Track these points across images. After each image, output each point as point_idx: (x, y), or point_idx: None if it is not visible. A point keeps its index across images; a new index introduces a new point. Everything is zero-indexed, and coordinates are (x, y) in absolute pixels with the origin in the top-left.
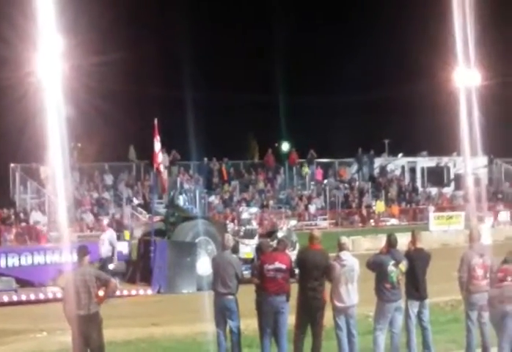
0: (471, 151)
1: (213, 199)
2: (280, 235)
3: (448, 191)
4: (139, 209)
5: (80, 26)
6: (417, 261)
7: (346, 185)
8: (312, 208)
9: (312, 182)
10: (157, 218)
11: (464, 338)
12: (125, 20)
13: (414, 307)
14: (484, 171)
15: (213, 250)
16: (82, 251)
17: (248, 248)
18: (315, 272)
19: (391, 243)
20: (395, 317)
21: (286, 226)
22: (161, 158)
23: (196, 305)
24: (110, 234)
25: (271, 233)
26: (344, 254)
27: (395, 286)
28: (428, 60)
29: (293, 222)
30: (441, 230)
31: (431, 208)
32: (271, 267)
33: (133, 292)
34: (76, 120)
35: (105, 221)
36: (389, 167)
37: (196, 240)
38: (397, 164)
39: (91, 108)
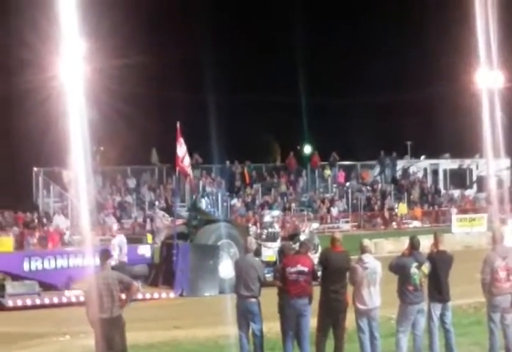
0: (493, 153)
1: (236, 202)
2: (302, 237)
3: (471, 193)
4: (161, 212)
5: (102, 29)
6: (440, 263)
7: (368, 187)
8: (335, 211)
9: (335, 185)
10: (179, 222)
11: (487, 340)
12: (147, 24)
13: (437, 310)
14: (507, 173)
15: (236, 253)
16: (104, 254)
17: (270, 251)
18: (337, 274)
19: (413, 245)
20: (418, 319)
21: (308, 229)
22: (187, 161)
23: (218, 308)
24: (120, 239)
25: (293, 236)
26: (366, 257)
27: (417, 288)
28: (451, 62)
29: (315, 225)
30: (463, 232)
31: (454, 210)
32: (293, 270)
33: (156, 295)
34: (98, 124)
35: (115, 226)
36: (412, 169)
37: (219, 243)
38: (419, 166)
39: (113, 111)
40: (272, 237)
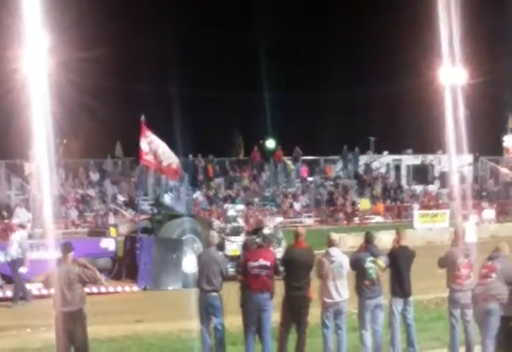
0: (456, 149)
1: (198, 196)
2: (266, 232)
3: (433, 188)
4: (124, 206)
5: (66, 22)
6: (401, 259)
7: (331, 182)
8: (297, 206)
9: (298, 180)
10: (143, 217)
11: (448, 336)
12: (111, 16)
13: (399, 305)
14: (469, 169)
15: (199, 248)
16: (66, 247)
17: (234, 246)
18: (301, 270)
19: (368, 240)
20: (377, 314)
21: (272, 224)
22: (164, 153)
23: (180, 302)
24: (20, 235)
25: (256, 230)
26: (333, 251)
27: (374, 282)
28: (414, 58)
29: (279, 219)
30: (425, 228)
31: (416, 206)
32: (255, 264)
33: (119, 288)
34: (62, 116)
35: (16, 220)
36: (374, 165)
37: (183, 238)
38: (382, 162)
39: (77, 104)
40: (236, 232)
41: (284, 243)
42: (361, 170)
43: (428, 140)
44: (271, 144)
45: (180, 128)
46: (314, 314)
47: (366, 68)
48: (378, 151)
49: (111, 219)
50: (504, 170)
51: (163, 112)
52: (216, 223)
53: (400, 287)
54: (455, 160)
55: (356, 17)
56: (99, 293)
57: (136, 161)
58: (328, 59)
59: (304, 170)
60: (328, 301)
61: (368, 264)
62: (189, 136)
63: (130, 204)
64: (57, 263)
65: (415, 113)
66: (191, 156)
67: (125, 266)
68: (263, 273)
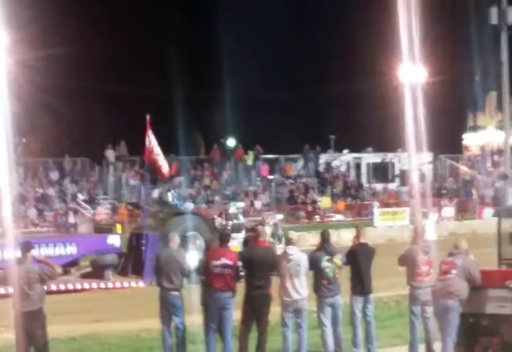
0: (415, 147)
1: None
2: (267, 229)
3: (393, 186)
4: (83, 204)
5: (25, 20)
6: (361, 256)
7: (292, 181)
8: (258, 204)
9: (258, 178)
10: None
11: (408, 333)
12: (71, 14)
13: (359, 302)
14: (429, 167)
15: (202, 244)
16: (26, 247)
17: (235, 242)
18: (262, 269)
19: (323, 239)
20: (336, 312)
21: (272, 221)
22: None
23: (145, 300)
24: None
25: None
26: (290, 249)
27: (331, 281)
28: (374, 57)
29: (279, 216)
30: (386, 226)
31: (376, 204)
32: (217, 263)
33: (125, 284)
34: (21, 115)
35: None
36: (335, 163)
37: (186, 235)
38: (342, 160)
39: (36, 103)
40: (237, 229)
41: (283, 240)
42: (321, 168)
43: (388, 138)
44: (231, 142)
45: (141, 127)
46: (275, 312)
47: (326, 67)
48: (339, 149)
49: (71, 218)
50: (463, 168)
51: (123, 111)
52: (218, 220)
53: (360, 284)
54: (415, 159)
55: (317, 16)
56: (107, 289)
57: (95, 161)
58: (289, 58)
59: (264, 169)
60: (286, 299)
61: (324, 263)
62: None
63: (91, 202)
64: (17, 263)
65: (375, 111)
66: None
67: (130, 262)
68: (226, 272)
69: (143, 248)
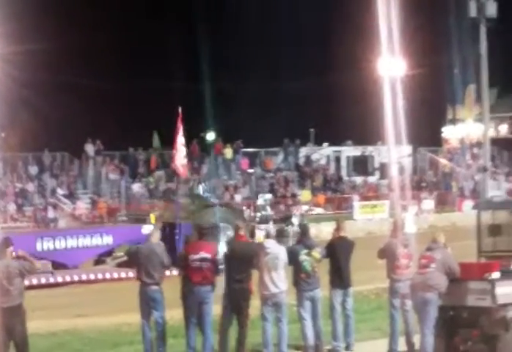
0: (395, 140)
1: (138, 188)
2: (294, 220)
3: (373, 179)
4: (63, 199)
5: (3, 15)
6: (340, 249)
7: (272, 174)
8: (238, 198)
9: (238, 172)
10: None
11: (388, 326)
12: (48, 9)
13: (338, 296)
14: (408, 160)
15: (231, 235)
16: (5, 242)
17: (263, 233)
18: (242, 263)
19: (302, 232)
20: (315, 306)
21: (299, 212)
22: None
23: (126, 295)
24: None
25: (285, 218)
26: (268, 242)
27: (310, 275)
28: (353, 49)
29: (305, 208)
30: (366, 219)
31: (356, 197)
32: (196, 257)
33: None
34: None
35: None
36: (315, 156)
37: (218, 227)
38: (322, 154)
39: (15, 97)
40: (265, 220)
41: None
42: (301, 162)
43: (368, 131)
44: (210, 136)
45: (120, 121)
46: (255, 306)
47: (306, 60)
48: (318, 143)
49: (51, 213)
50: (443, 161)
51: (102, 105)
52: (247, 212)
53: (340, 278)
54: (395, 152)
55: (295, 8)
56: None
57: (75, 155)
58: (269, 51)
59: (244, 162)
60: (265, 293)
61: (303, 257)
62: (129, 128)
63: (70, 197)
64: None
65: (355, 104)
66: (131, 149)
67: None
68: (204, 266)
69: (176, 237)
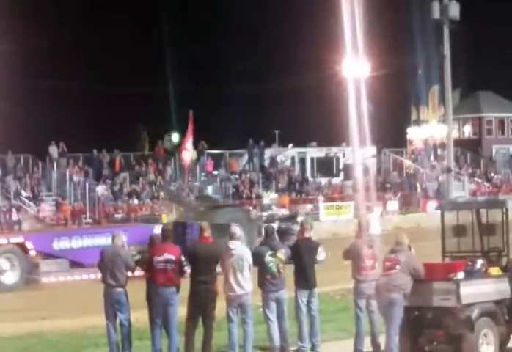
0: (359, 141)
1: (103, 191)
2: (300, 219)
3: (337, 181)
4: (27, 201)
5: None
6: (305, 250)
7: (237, 176)
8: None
9: (203, 174)
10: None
11: (354, 326)
12: (11, 10)
13: (304, 297)
14: (373, 161)
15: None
16: None
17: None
18: (206, 265)
19: (266, 233)
20: (280, 307)
21: (304, 211)
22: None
23: (90, 297)
24: None
25: (291, 217)
26: (232, 244)
27: (275, 276)
28: (317, 51)
29: (309, 206)
30: (331, 220)
31: (321, 198)
32: (160, 258)
33: None
34: None
35: None
36: (280, 158)
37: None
38: (287, 155)
39: None
40: (271, 219)
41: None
42: (266, 163)
43: (332, 133)
44: (175, 138)
45: (84, 123)
46: (221, 307)
47: (270, 62)
48: (283, 144)
49: (15, 215)
50: (407, 162)
51: (66, 107)
52: (253, 211)
53: (305, 278)
54: (359, 153)
55: (259, 11)
56: None
57: (38, 157)
58: (232, 54)
59: (209, 164)
60: (230, 294)
61: (268, 258)
62: (93, 130)
63: (34, 199)
64: None
65: (319, 106)
66: (95, 151)
67: None
68: (169, 268)
69: (188, 236)
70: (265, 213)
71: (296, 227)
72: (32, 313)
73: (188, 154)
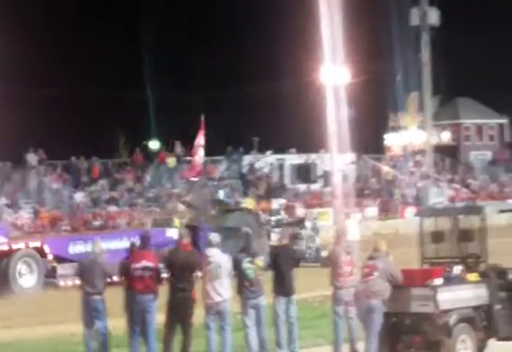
0: (338, 148)
1: (81, 198)
2: (308, 223)
3: (316, 187)
4: (5, 209)
5: None
6: (283, 257)
7: (216, 182)
8: (182, 206)
9: (182, 181)
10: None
11: (332, 333)
12: None
13: (282, 303)
14: (351, 168)
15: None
16: None
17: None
18: (185, 272)
19: (245, 240)
20: (259, 314)
21: (312, 216)
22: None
23: (63, 305)
24: None
25: (299, 222)
26: (210, 251)
27: (253, 283)
28: (296, 57)
29: (316, 211)
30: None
31: (299, 205)
32: (138, 266)
33: None
34: None
35: None
36: (258, 164)
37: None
38: (265, 162)
39: None
40: (279, 224)
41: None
42: (245, 170)
43: (311, 139)
44: (154, 145)
45: (62, 130)
46: (199, 315)
47: (248, 68)
48: (262, 151)
49: None
50: (385, 168)
51: (44, 114)
52: (263, 216)
53: (282, 285)
54: (338, 159)
55: (237, 15)
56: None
57: (17, 164)
58: (211, 59)
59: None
60: (208, 301)
61: (246, 265)
62: (71, 137)
63: (13, 206)
64: None
65: (298, 112)
66: (73, 158)
67: None
68: (146, 275)
69: (200, 239)
70: (273, 218)
71: (304, 232)
72: (8, 321)
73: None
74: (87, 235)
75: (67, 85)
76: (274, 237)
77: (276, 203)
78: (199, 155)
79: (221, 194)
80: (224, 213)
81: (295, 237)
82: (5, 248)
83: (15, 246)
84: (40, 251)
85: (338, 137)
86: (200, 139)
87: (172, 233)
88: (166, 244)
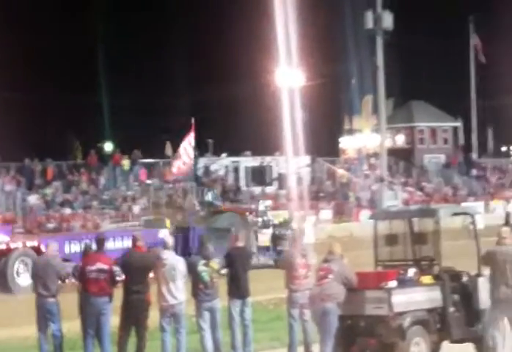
0: (293, 150)
1: (35, 200)
2: (294, 225)
3: (271, 190)
4: None
5: None
6: (238, 259)
7: (170, 185)
8: (136, 209)
9: (136, 183)
10: None
11: (287, 335)
12: None
13: (237, 306)
14: (306, 171)
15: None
16: None
17: (265, 237)
18: (140, 274)
19: (200, 243)
20: (214, 317)
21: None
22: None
23: (25, 308)
24: None
25: (285, 223)
26: (165, 253)
27: (208, 285)
28: (251, 60)
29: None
30: None
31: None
32: (92, 268)
33: None
34: None
35: None
36: (213, 167)
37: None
38: (220, 164)
39: None
40: (266, 225)
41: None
42: (200, 172)
43: (266, 142)
44: (108, 147)
45: (16, 132)
46: (154, 317)
47: (203, 71)
48: (217, 153)
49: None
50: (340, 171)
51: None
52: (249, 217)
53: (237, 288)
54: (293, 162)
55: (192, 19)
56: None
57: None
58: (165, 63)
59: (142, 173)
60: (163, 304)
61: (201, 267)
62: (25, 139)
63: None
64: None
65: (253, 115)
66: (27, 160)
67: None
68: (101, 277)
69: (190, 240)
70: (260, 219)
71: (290, 233)
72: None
73: (182, 160)
74: (83, 235)
75: (20, 87)
76: (262, 238)
77: (262, 205)
78: (190, 156)
79: (209, 196)
80: (214, 214)
81: (279, 238)
82: (3, 247)
83: (12, 245)
84: (37, 251)
85: (293, 140)
86: (190, 141)
87: (164, 234)
88: (158, 244)
